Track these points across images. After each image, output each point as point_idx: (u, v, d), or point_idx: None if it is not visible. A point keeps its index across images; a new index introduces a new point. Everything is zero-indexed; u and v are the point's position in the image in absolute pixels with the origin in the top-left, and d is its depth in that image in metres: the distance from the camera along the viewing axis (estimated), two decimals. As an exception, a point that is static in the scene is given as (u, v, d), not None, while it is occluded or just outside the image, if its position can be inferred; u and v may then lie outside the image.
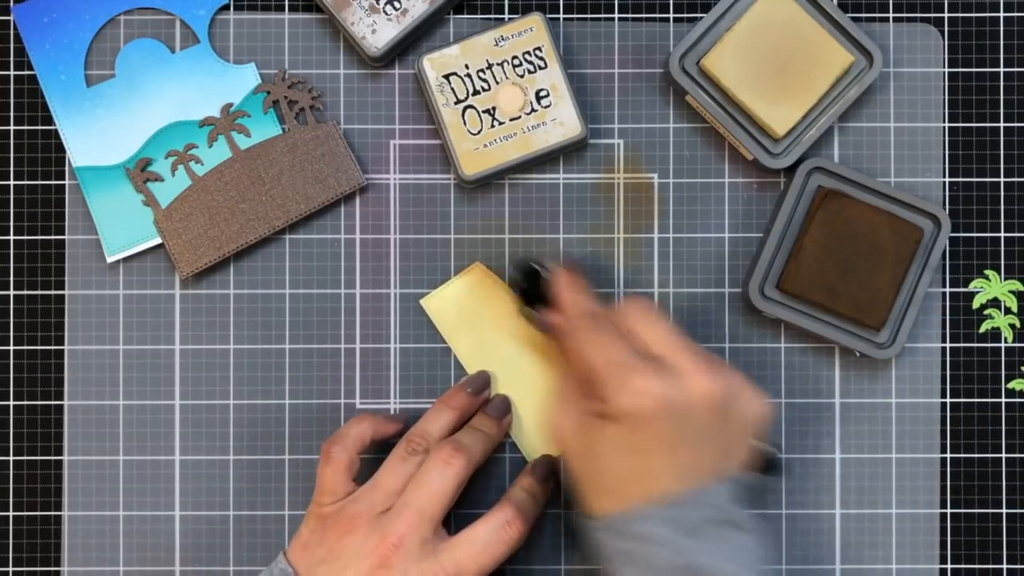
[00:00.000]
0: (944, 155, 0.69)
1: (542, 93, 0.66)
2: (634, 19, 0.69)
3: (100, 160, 0.67)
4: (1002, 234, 0.69)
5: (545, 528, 0.68)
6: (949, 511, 0.68)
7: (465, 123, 0.66)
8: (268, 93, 0.68)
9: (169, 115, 0.68)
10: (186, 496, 0.68)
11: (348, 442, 0.62)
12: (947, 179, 0.69)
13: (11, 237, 0.68)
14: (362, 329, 0.68)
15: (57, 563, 0.67)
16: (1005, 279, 0.69)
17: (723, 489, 0.57)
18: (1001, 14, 0.69)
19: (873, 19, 0.69)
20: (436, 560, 0.58)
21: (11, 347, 0.68)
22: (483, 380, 0.66)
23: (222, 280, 0.68)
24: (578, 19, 0.69)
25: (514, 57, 0.66)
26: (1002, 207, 0.69)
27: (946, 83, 0.69)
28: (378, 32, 0.66)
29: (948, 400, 0.68)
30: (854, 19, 0.68)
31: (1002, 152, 0.69)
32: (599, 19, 0.69)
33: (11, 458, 0.68)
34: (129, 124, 0.68)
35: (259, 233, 0.67)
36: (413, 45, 0.68)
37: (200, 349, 0.68)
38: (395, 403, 0.68)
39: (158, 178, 0.67)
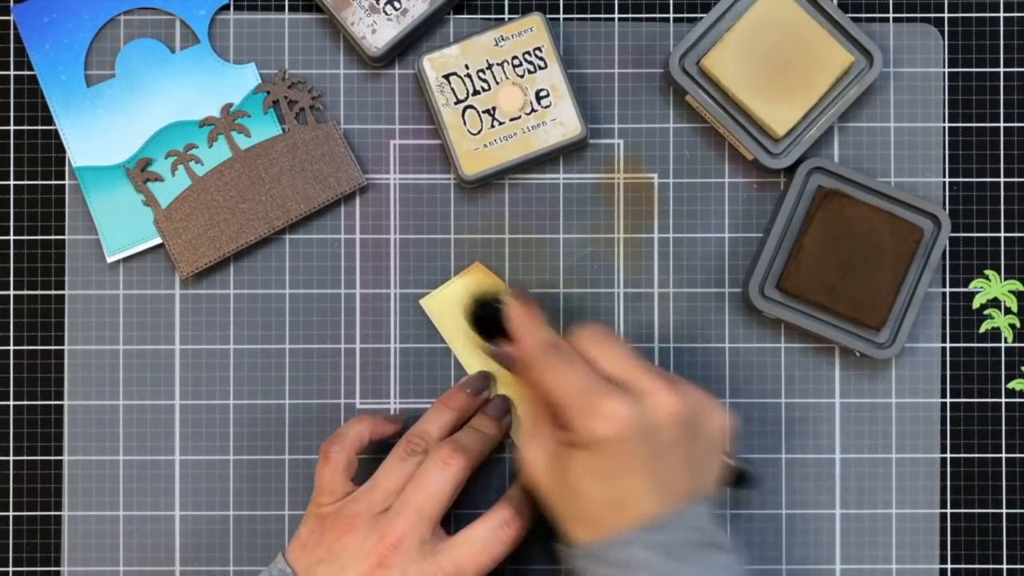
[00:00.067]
0: (944, 155, 0.69)
1: (542, 93, 0.66)
2: (634, 19, 0.69)
3: (100, 160, 0.67)
4: (1002, 234, 0.69)
5: (545, 528, 0.68)
6: (949, 511, 0.68)
7: (465, 123, 0.66)
8: (268, 93, 0.68)
9: (169, 115, 0.68)
10: (186, 496, 0.68)
11: (346, 442, 0.62)
12: (947, 179, 0.69)
13: (11, 237, 0.68)
14: (362, 329, 0.68)
15: (57, 563, 0.68)
16: (1005, 279, 0.69)
17: (700, 510, 0.57)
18: (1001, 14, 0.69)
19: (873, 19, 0.69)
20: (435, 560, 0.58)
21: (11, 347, 0.68)
22: (483, 380, 0.66)
23: (222, 280, 0.68)
24: (578, 19, 0.69)
25: (514, 57, 0.66)
26: (1002, 207, 0.69)
27: (946, 83, 0.69)
28: (378, 32, 0.66)
29: (948, 400, 0.68)
30: (854, 19, 0.68)
31: (1002, 152, 0.69)
32: (599, 19, 0.69)
33: (11, 458, 0.68)
34: (129, 124, 0.68)
35: (259, 233, 0.67)
36: (413, 45, 0.68)
37: (200, 349, 0.68)
38: (395, 403, 0.68)
39: (158, 178, 0.67)
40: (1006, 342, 0.69)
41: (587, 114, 0.68)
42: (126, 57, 0.68)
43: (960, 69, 0.69)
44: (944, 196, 0.69)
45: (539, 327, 0.61)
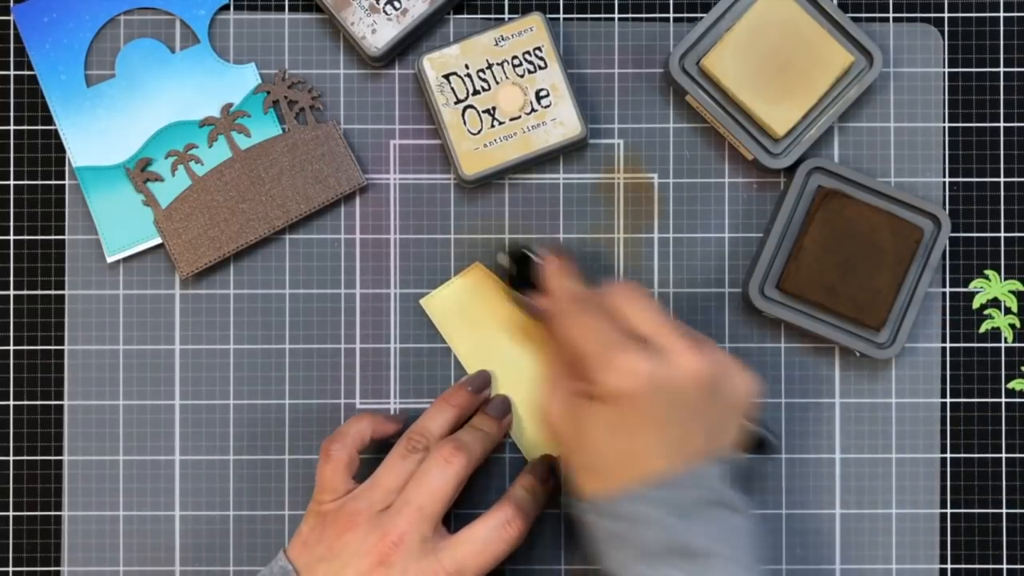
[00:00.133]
0: (944, 155, 0.69)
1: (542, 93, 0.66)
2: (634, 19, 0.69)
3: (100, 160, 0.67)
4: (1002, 234, 0.69)
5: (545, 528, 0.68)
6: (949, 511, 0.68)
7: (465, 123, 0.66)
8: (268, 93, 0.68)
9: (169, 115, 0.68)
10: (186, 496, 0.68)
11: (348, 440, 0.62)
12: (947, 179, 0.69)
13: (11, 237, 0.68)
14: (362, 329, 0.68)
15: (57, 563, 0.67)
16: (1005, 279, 0.69)
17: (714, 470, 0.57)
18: (1001, 14, 0.69)
19: (873, 19, 0.69)
20: (436, 558, 0.58)
21: (11, 347, 0.68)
22: (483, 379, 0.66)
23: (222, 280, 0.68)
24: (578, 19, 0.69)
25: (514, 57, 0.66)
26: (1002, 207, 0.69)
27: (946, 83, 0.69)
28: (378, 32, 0.66)
29: (948, 400, 0.68)
30: (854, 19, 0.68)
31: (1002, 152, 0.69)
32: (599, 19, 0.69)
33: (11, 458, 0.68)
34: (129, 124, 0.68)
35: (259, 233, 0.67)
36: (413, 45, 0.68)
37: (200, 349, 0.68)
38: (395, 403, 0.68)
39: (158, 178, 0.67)
40: (1006, 342, 0.69)
41: (587, 114, 0.68)
42: (126, 57, 0.68)
43: (960, 69, 0.69)
44: (944, 196, 0.69)
45: (571, 281, 0.61)
